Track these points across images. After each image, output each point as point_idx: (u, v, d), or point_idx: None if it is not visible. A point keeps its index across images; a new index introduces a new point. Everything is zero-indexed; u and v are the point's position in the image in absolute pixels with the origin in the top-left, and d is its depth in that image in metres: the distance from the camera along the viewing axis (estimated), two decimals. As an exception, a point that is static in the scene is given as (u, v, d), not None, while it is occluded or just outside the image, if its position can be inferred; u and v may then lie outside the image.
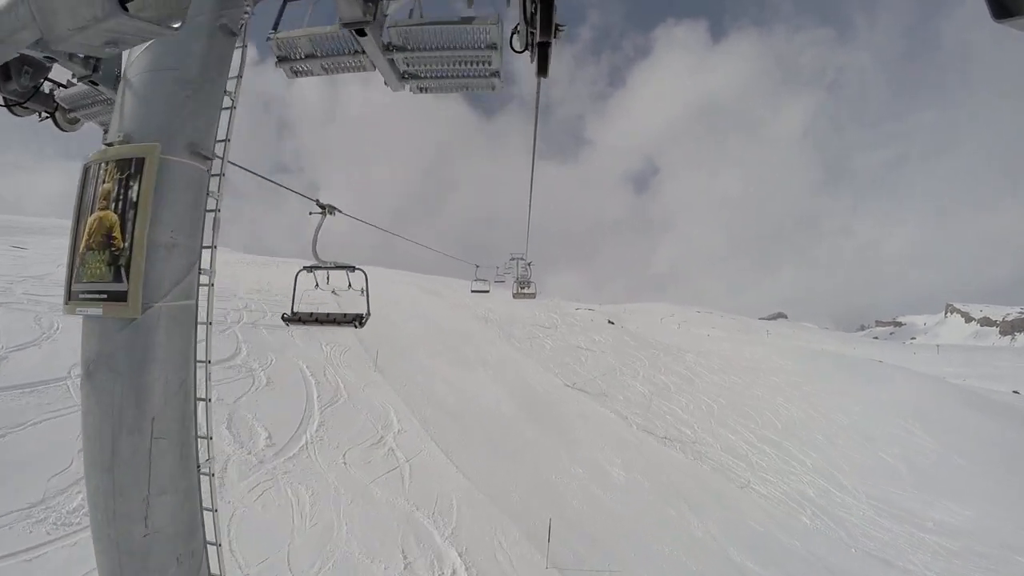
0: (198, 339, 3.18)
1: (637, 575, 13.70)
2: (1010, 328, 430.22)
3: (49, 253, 36.79)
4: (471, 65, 3.44)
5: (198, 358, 3.15)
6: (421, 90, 3.72)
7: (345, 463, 15.08)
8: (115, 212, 2.82)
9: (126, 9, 1.75)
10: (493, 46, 3.30)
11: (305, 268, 7.43)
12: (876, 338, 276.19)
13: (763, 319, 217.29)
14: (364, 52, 3.35)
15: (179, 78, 2.96)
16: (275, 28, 3.54)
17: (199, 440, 3.15)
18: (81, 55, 3.57)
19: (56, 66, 3.67)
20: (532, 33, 3.24)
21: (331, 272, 7.35)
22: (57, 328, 17.55)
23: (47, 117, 3.87)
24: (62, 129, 3.91)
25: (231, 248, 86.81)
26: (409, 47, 3.37)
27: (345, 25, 3.24)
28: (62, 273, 18.81)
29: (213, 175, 3.15)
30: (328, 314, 7.32)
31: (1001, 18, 1.58)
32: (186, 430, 3.02)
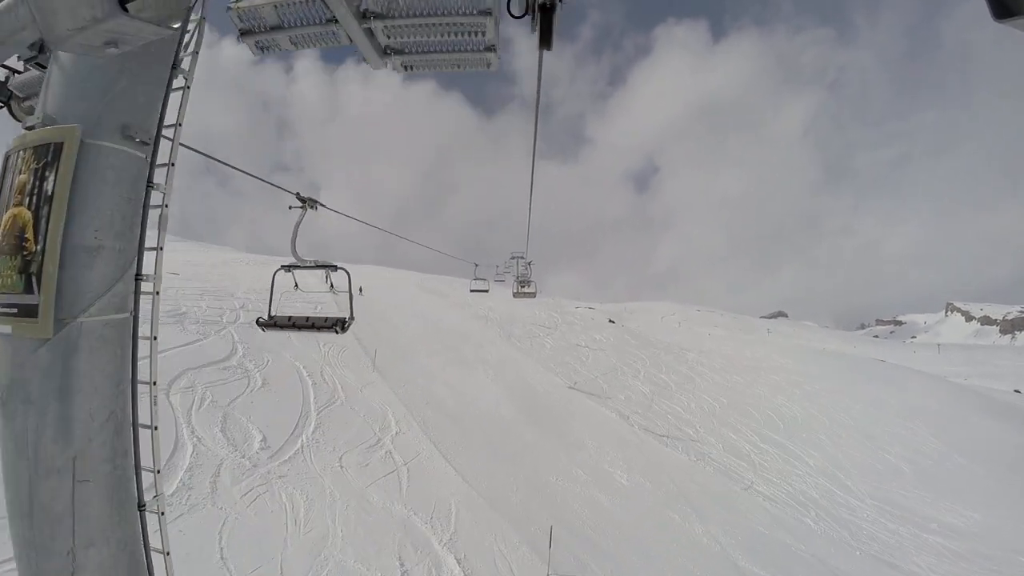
0: (141, 357, 2.78)
1: (640, 582, 13.44)
2: (1010, 327, 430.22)
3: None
4: (462, 36, 2.96)
5: (141, 379, 2.76)
6: (406, 68, 3.22)
7: (341, 466, 14.77)
8: (28, 209, 2.36)
9: (126, 9, 1.69)
10: (487, 12, 2.85)
11: (283, 267, 6.90)
12: (876, 337, 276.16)
13: (764, 318, 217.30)
14: (337, 21, 2.90)
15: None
16: None
17: (144, 474, 2.78)
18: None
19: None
20: None
21: (313, 271, 6.95)
22: None
23: (1, 107, 3.55)
24: (19, 120, 3.59)
25: (232, 247, 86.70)
26: (389, 14, 2.90)
27: None
28: None
29: (160, 165, 2.68)
30: (308, 318, 6.87)
31: (1002, 18, 1.52)
32: (120, 469, 2.59)
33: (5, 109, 3.57)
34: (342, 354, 24.83)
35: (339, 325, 6.63)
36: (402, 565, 11.20)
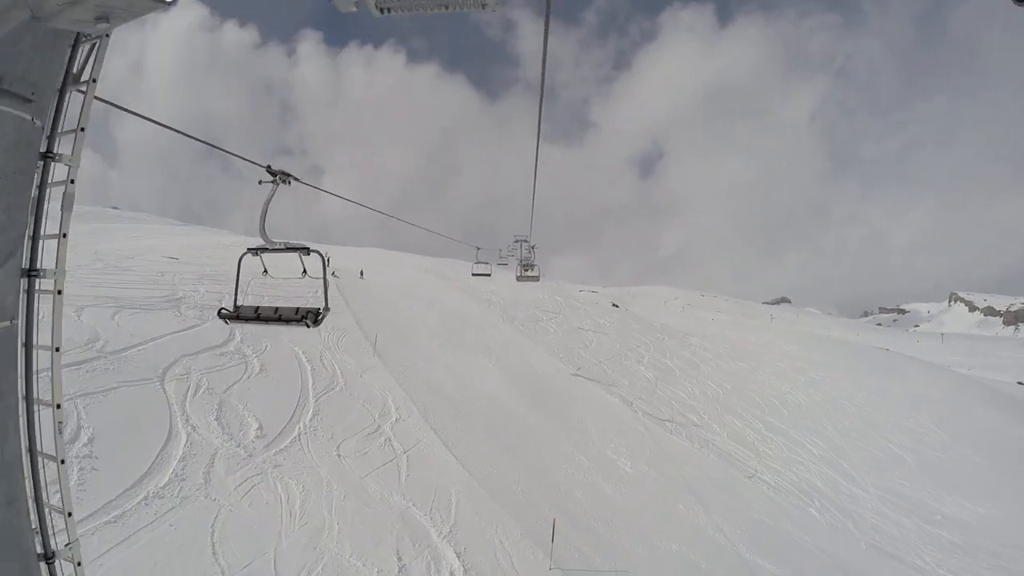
0: (43, 370, 2.26)
1: (645, 576, 13.16)
2: (1014, 318, 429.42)
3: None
4: None
5: (40, 399, 2.26)
6: (381, 11, 2.54)
7: (339, 455, 14.44)
8: None
9: None
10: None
11: (250, 251, 6.13)
12: (879, 325, 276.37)
13: (767, 303, 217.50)
14: None
15: None
16: None
17: (54, 515, 2.30)
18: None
19: None
20: None
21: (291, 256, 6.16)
22: (42, 317, 16.87)
23: None
24: None
25: (232, 231, 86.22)
26: None
27: None
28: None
29: (66, 132, 2.12)
30: (276, 309, 6.21)
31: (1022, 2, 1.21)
32: (5, 520, 2.11)
33: None
34: (342, 339, 24.51)
35: (310, 318, 6.04)
36: (400, 560, 10.89)
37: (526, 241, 22.84)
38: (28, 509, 2.20)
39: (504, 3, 2.44)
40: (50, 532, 2.26)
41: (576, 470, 18.29)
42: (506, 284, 43.48)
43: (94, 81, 2.23)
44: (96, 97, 2.34)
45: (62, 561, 2.25)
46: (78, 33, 2.18)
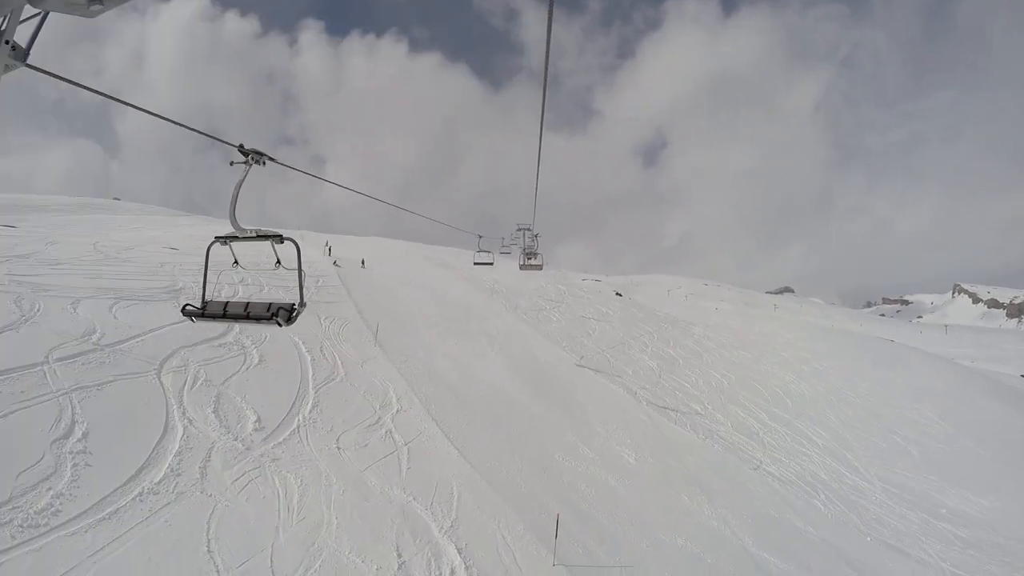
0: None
1: (650, 572, 12.94)
2: (1017, 311, 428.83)
3: (41, 231, 36.06)
4: None
5: None
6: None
7: (339, 447, 14.22)
8: None
9: None
10: None
11: (218, 239, 5.62)
12: (883, 316, 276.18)
13: (770, 293, 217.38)
14: None
15: None
16: None
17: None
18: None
19: None
20: None
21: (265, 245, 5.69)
22: (39, 310, 16.64)
23: None
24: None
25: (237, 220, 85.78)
26: None
27: None
28: (49, 252, 17.85)
29: None
30: (247, 305, 5.75)
31: None
32: None
33: None
34: (344, 328, 24.30)
35: (282, 316, 5.56)
36: (400, 556, 10.66)
37: (529, 229, 22.78)
38: None
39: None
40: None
41: (579, 461, 18.09)
42: (509, 273, 43.31)
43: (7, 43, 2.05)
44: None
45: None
46: None
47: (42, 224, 41.47)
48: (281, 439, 13.77)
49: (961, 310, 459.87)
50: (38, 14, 2.23)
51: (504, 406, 21.28)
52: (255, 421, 14.09)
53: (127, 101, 3.64)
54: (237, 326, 20.16)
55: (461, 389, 21.52)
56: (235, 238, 5.44)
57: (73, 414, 12.02)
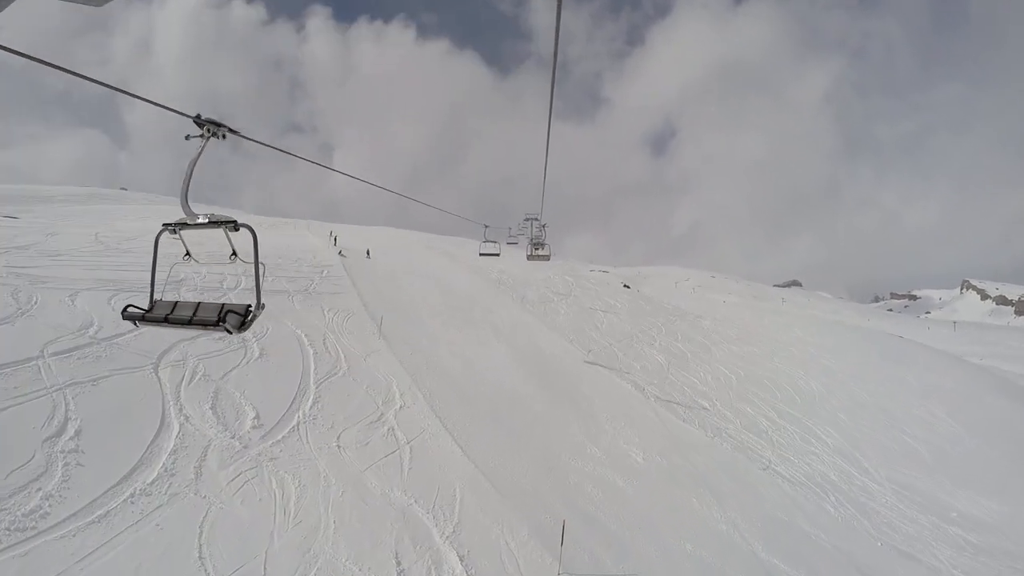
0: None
1: (658, 580, 12.58)
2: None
3: (43, 222, 35.85)
4: None
5: None
6: None
7: (339, 446, 13.86)
8: None
9: None
10: None
11: (168, 227, 4.85)
12: (891, 310, 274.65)
13: (778, 286, 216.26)
14: None
15: None
16: None
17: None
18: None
19: None
20: None
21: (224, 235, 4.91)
22: (36, 302, 16.34)
23: None
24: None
25: (241, 210, 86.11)
26: None
27: None
28: (50, 243, 17.49)
29: None
30: (197, 306, 4.97)
31: None
32: None
33: None
34: (348, 320, 23.99)
35: (234, 321, 4.79)
36: (399, 563, 10.28)
37: (537, 219, 22.64)
38: None
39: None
40: None
41: (586, 461, 17.69)
42: (516, 263, 43.01)
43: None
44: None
45: None
46: None
47: (47, 214, 41.36)
48: (280, 437, 13.43)
49: (969, 306, 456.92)
50: None
51: (510, 401, 20.92)
52: (254, 418, 13.76)
53: (64, 67, 3.21)
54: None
55: (466, 384, 21.18)
56: (185, 225, 4.69)
57: (67, 411, 11.73)
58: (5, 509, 8.85)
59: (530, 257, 23.45)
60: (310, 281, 28.91)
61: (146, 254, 26.13)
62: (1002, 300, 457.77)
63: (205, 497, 10.58)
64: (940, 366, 40.07)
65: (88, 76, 3.26)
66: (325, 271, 32.34)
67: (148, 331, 16.33)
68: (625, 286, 61.07)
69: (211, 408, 13.60)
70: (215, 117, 4.34)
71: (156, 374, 14.30)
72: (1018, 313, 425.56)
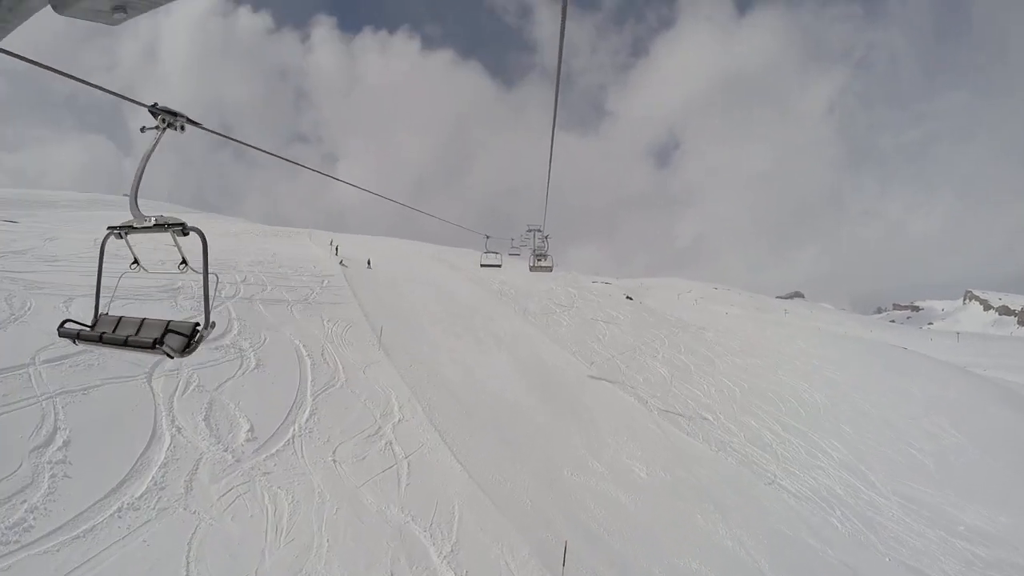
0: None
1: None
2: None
3: (43, 227, 35.71)
4: None
5: None
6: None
7: (335, 460, 13.52)
8: None
9: None
10: None
11: (113, 231, 4.09)
12: (893, 321, 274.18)
13: (780, 298, 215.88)
14: None
15: None
16: None
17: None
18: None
19: None
20: None
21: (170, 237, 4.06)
22: (29, 308, 16.11)
23: None
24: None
25: (245, 219, 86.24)
26: None
27: None
28: (47, 248, 17.25)
29: None
30: (142, 322, 4.18)
31: None
32: None
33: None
34: (348, 331, 23.71)
35: (176, 343, 3.97)
36: (394, 584, 9.98)
37: (539, 231, 22.60)
38: None
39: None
40: None
41: (589, 476, 17.34)
42: (519, 274, 42.81)
43: None
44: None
45: None
46: None
47: (50, 219, 41.24)
48: (274, 450, 13.10)
49: (972, 317, 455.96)
50: None
51: (511, 414, 20.60)
52: (248, 430, 13.45)
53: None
54: (236, 327, 19.59)
55: (466, 396, 20.86)
56: (132, 229, 3.96)
57: (56, 420, 11.45)
58: (-12, 522, 8.56)
59: (533, 268, 23.35)
60: (310, 291, 28.67)
61: (143, 260, 26.01)
62: (1005, 310, 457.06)
63: (195, 512, 10.26)
64: (943, 377, 39.71)
65: (27, 58, 2.97)
66: (326, 281, 32.11)
67: (143, 340, 16.06)
68: (628, 298, 60.80)
69: (204, 420, 13.29)
70: (172, 107, 3.83)
71: (149, 384, 14.00)
72: (1021, 323, 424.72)
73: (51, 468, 10.12)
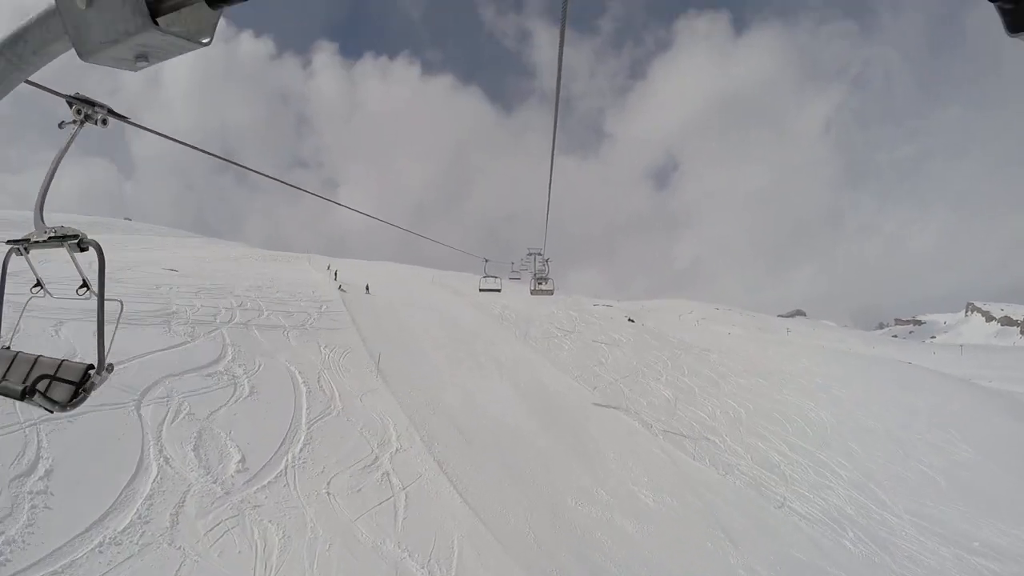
0: None
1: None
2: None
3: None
4: None
5: None
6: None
7: (329, 493, 13.00)
8: None
9: (156, 24, 1.32)
10: None
11: (13, 246, 3.21)
12: (895, 337, 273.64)
13: (782, 316, 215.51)
14: None
15: None
16: None
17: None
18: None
19: None
20: None
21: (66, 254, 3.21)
22: (18, 331, 15.65)
23: None
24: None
25: (245, 243, 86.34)
26: None
27: None
28: (42, 270, 16.90)
29: None
30: (35, 360, 3.22)
31: (1017, 32, 0.95)
32: None
33: None
34: (344, 357, 23.30)
35: (60, 394, 2.94)
36: (389, 625, 9.45)
37: (540, 254, 22.43)
38: None
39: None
40: None
41: (594, 505, 16.80)
42: (520, 298, 42.49)
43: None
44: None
45: None
46: None
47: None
48: (266, 482, 12.60)
49: (975, 328, 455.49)
50: None
51: (513, 445, 20.08)
52: (239, 461, 12.95)
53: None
54: (230, 353, 19.16)
55: (467, 424, 20.37)
56: (30, 243, 3.16)
57: (39, 448, 10.99)
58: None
59: (534, 292, 23.17)
60: (308, 316, 28.30)
61: (138, 284, 25.76)
62: (1007, 320, 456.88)
63: (180, 548, 9.75)
64: (949, 391, 39.21)
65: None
66: (324, 306, 31.76)
67: (133, 365, 15.69)
68: (630, 320, 60.42)
69: (193, 450, 12.81)
70: (92, 96, 3.31)
71: (138, 412, 13.53)
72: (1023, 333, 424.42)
73: (31, 499, 9.66)
